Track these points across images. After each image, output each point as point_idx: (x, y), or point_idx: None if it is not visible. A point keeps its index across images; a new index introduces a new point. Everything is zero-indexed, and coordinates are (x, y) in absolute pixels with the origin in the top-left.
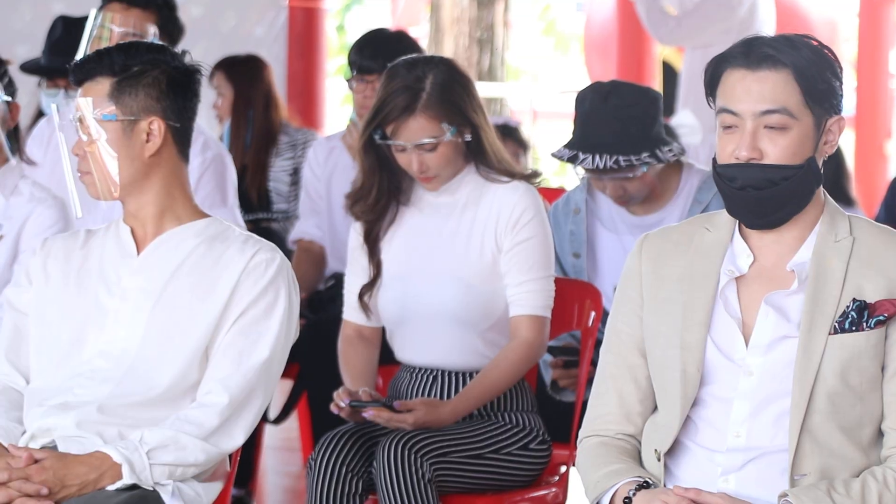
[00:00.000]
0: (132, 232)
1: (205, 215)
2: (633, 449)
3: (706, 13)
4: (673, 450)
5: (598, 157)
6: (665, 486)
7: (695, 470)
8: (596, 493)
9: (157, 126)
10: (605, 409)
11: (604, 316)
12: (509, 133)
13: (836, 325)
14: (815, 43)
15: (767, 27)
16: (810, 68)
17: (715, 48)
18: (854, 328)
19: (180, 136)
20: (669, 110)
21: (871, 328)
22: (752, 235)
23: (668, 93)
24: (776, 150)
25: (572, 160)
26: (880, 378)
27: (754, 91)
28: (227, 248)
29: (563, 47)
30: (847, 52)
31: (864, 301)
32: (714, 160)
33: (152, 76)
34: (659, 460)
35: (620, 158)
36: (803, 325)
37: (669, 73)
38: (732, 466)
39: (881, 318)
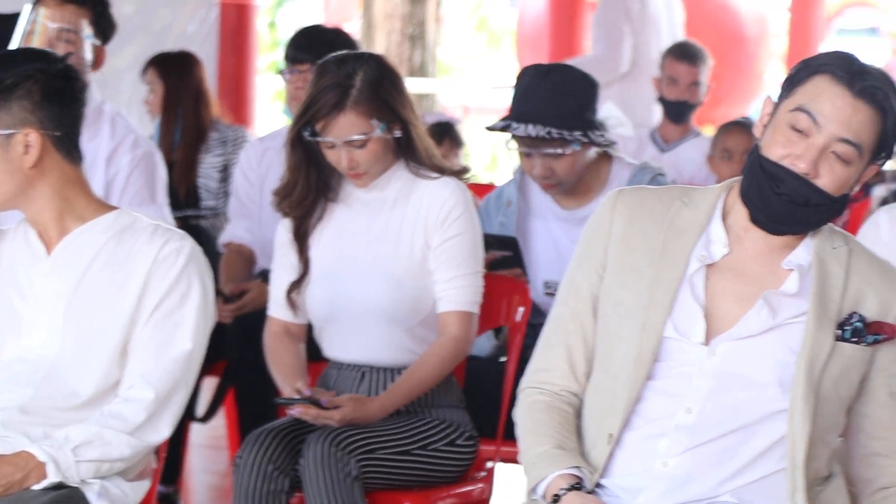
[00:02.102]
0: (39, 234)
1: (111, 209)
2: (575, 412)
3: (614, 24)
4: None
5: (531, 126)
6: (606, 470)
7: (635, 450)
8: (532, 475)
9: (33, 138)
10: (552, 363)
11: (533, 310)
12: (447, 130)
13: (838, 332)
14: None
15: (670, 16)
16: (894, 122)
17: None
18: (855, 339)
19: (62, 143)
20: None
21: (868, 345)
22: (736, 225)
23: None
24: (830, 178)
25: (505, 129)
26: (853, 397)
27: (845, 116)
28: (136, 239)
29: (495, 43)
30: (777, 47)
31: (866, 317)
32: (758, 149)
33: (25, 88)
34: (608, 443)
35: (553, 130)
36: (811, 326)
37: None
38: (674, 450)
39: (879, 337)
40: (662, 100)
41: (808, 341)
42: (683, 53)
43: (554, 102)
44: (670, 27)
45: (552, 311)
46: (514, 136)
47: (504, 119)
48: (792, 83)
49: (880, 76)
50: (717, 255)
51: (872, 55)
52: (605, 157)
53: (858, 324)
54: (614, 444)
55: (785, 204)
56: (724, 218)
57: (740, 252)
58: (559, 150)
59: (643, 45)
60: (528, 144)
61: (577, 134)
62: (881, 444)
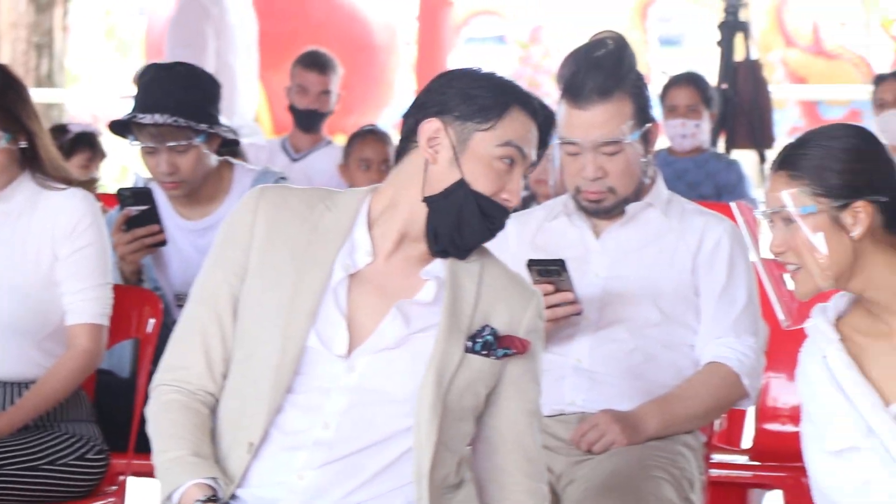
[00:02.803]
0: None
1: None
2: (210, 413)
3: (196, 28)
4: None
5: (158, 115)
6: (243, 479)
7: (273, 461)
8: (168, 481)
9: None
10: (189, 361)
11: (164, 320)
12: (89, 140)
13: (468, 344)
14: None
15: (242, 28)
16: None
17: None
18: (485, 353)
19: None
20: None
21: (498, 358)
22: (383, 238)
23: None
24: (517, 195)
25: (130, 121)
26: (480, 408)
27: (534, 141)
28: None
29: (124, 51)
30: (408, 56)
31: (497, 330)
32: (466, 184)
33: None
34: (248, 453)
35: (180, 119)
36: (442, 337)
37: None
38: (311, 464)
39: (509, 352)
40: (293, 108)
41: (438, 352)
42: (313, 62)
43: (180, 94)
44: (245, 39)
45: (188, 309)
46: (137, 133)
47: (129, 113)
48: (485, 116)
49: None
50: (361, 263)
51: (500, 63)
52: (227, 165)
53: (489, 337)
54: (253, 453)
55: (488, 236)
56: (371, 227)
57: (384, 262)
58: (184, 142)
59: (223, 51)
60: (153, 138)
61: (204, 126)
62: (506, 459)
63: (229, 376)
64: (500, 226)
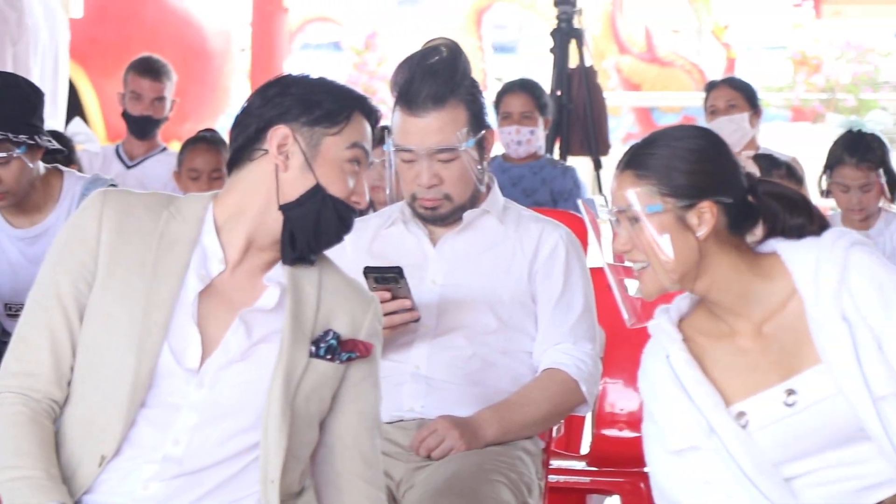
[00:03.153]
0: None
1: None
2: (52, 426)
3: None
4: None
5: None
6: (91, 487)
7: (120, 473)
8: (15, 502)
9: None
10: (37, 368)
11: None
12: None
13: (312, 348)
14: None
15: (53, 34)
16: None
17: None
18: (329, 357)
19: None
20: None
21: (343, 362)
22: (231, 246)
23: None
24: (365, 196)
25: None
26: (324, 413)
27: (370, 138)
28: None
29: None
30: (243, 62)
31: (340, 335)
32: (322, 188)
33: None
34: (99, 465)
35: None
36: (287, 342)
37: None
38: (160, 476)
39: (353, 355)
40: (126, 115)
41: (284, 356)
42: (146, 69)
43: None
44: (52, 44)
45: (31, 313)
46: None
47: None
48: (332, 121)
49: None
50: (214, 272)
51: (335, 69)
52: (56, 173)
53: (333, 341)
54: (105, 465)
55: (340, 239)
56: (217, 234)
57: (230, 273)
58: (3, 154)
59: (22, 56)
60: None
61: (24, 137)
62: (344, 464)
63: (75, 384)
64: (351, 228)
